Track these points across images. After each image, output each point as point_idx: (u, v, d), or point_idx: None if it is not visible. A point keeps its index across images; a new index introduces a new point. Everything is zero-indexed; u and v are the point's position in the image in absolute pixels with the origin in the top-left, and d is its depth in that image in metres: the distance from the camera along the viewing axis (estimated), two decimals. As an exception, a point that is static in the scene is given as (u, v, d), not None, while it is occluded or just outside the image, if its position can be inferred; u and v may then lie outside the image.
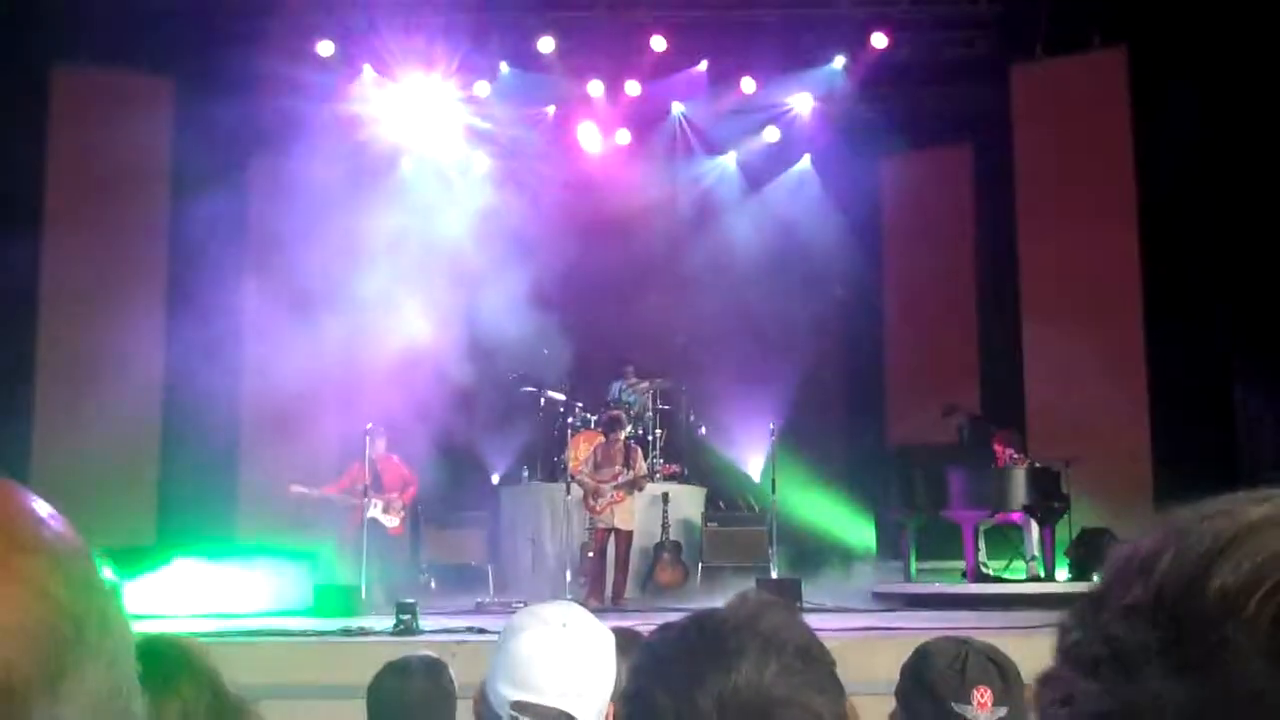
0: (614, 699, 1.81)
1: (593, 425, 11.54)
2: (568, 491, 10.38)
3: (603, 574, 9.95)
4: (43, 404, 11.83)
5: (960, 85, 12.59)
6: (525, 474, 12.34)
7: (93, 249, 12.26)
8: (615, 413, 10.85)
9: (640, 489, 10.12)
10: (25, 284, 11.82)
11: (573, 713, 1.73)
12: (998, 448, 10.47)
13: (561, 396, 12.05)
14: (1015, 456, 10.36)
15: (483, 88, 13.43)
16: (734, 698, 1.09)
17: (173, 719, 1.66)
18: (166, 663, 1.73)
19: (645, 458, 11.51)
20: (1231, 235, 10.50)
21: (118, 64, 12.32)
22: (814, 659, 1.15)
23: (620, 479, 9.90)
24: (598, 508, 9.93)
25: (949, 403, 11.64)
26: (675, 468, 11.82)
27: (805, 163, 14.01)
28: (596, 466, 10.09)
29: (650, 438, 11.93)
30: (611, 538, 9.97)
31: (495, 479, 12.51)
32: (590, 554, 10.14)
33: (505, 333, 13.68)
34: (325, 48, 12.80)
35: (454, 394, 13.62)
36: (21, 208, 11.83)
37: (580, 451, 10.78)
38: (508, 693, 1.75)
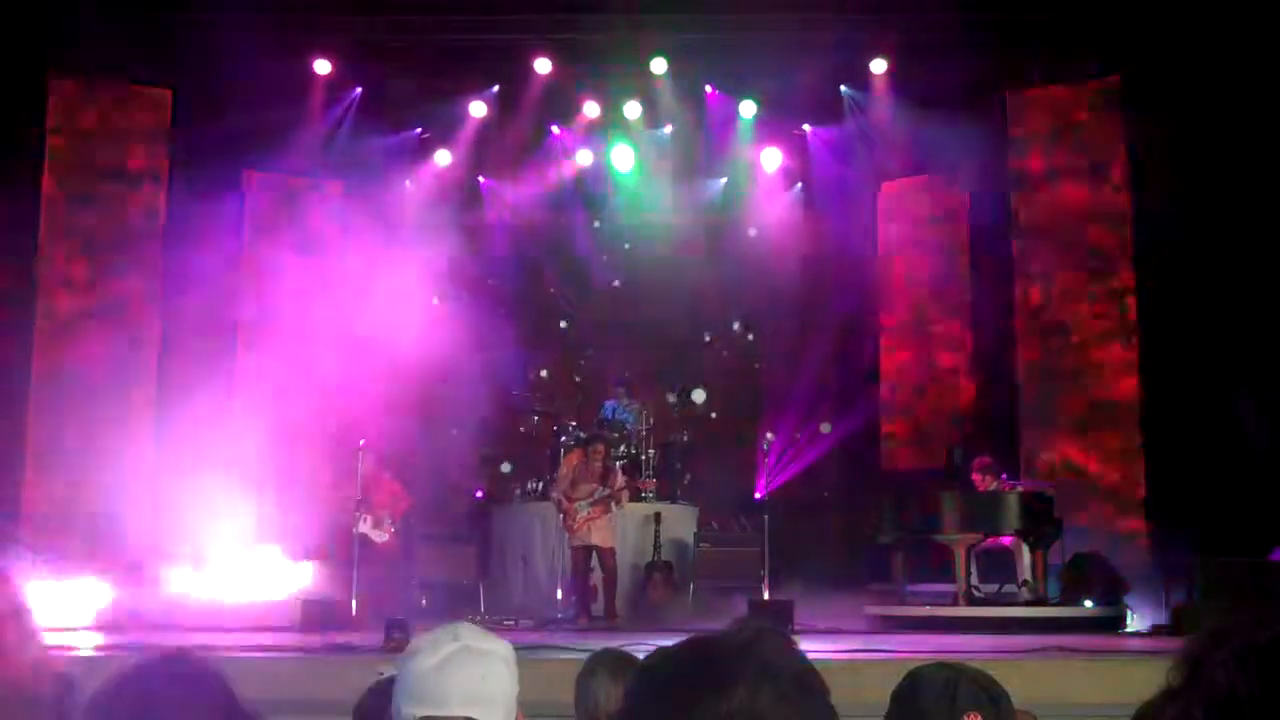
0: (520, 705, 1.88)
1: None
2: (559, 509, 10.36)
3: (586, 592, 9.91)
4: (35, 419, 11.80)
5: (957, 112, 12.63)
6: (517, 492, 12.32)
7: (88, 259, 12.28)
8: (595, 431, 10.88)
9: (619, 505, 10.05)
10: (21, 297, 11.81)
11: (477, 718, 1.79)
12: (975, 477, 10.48)
13: (553, 414, 12.06)
14: (994, 485, 10.36)
15: (479, 108, 13.47)
16: None
17: None
18: (184, 677, 1.74)
19: (639, 477, 11.49)
20: (1228, 261, 10.54)
21: (115, 73, 12.36)
22: (809, 688, 1.14)
23: (596, 495, 9.87)
24: (574, 526, 9.89)
25: (958, 417, 11.75)
26: (653, 481, 11.77)
27: (803, 187, 14.05)
28: (574, 484, 10.06)
29: (644, 457, 11.91)
30: (594, 556, 9.92)
31: (487, 496, 12.49)
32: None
33: (498, 351, 13.70)
34: (322, 65, 12.85)
35: (446, 412, 13.62)
36: (18, 216, 11.83)
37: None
38: (412, 711, 1.80)
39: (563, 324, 14.10)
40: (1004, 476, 10.66)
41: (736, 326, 14.11)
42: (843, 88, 13.22)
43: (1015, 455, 11.88)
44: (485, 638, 1.87)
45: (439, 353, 13.17)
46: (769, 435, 11.08)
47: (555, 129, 13.75)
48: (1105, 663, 6.32)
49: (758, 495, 11.81)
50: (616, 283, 14.21)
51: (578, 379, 13.95)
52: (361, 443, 10.42)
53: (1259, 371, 10.20)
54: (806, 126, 13.62)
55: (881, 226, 13.71)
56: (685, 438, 12.63)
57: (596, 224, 14.25)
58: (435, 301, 13.08)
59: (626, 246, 14.25)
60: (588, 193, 14.05)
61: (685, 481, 12.36)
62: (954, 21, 12.01)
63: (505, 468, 12.76)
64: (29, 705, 1.92)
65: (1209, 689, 0.98)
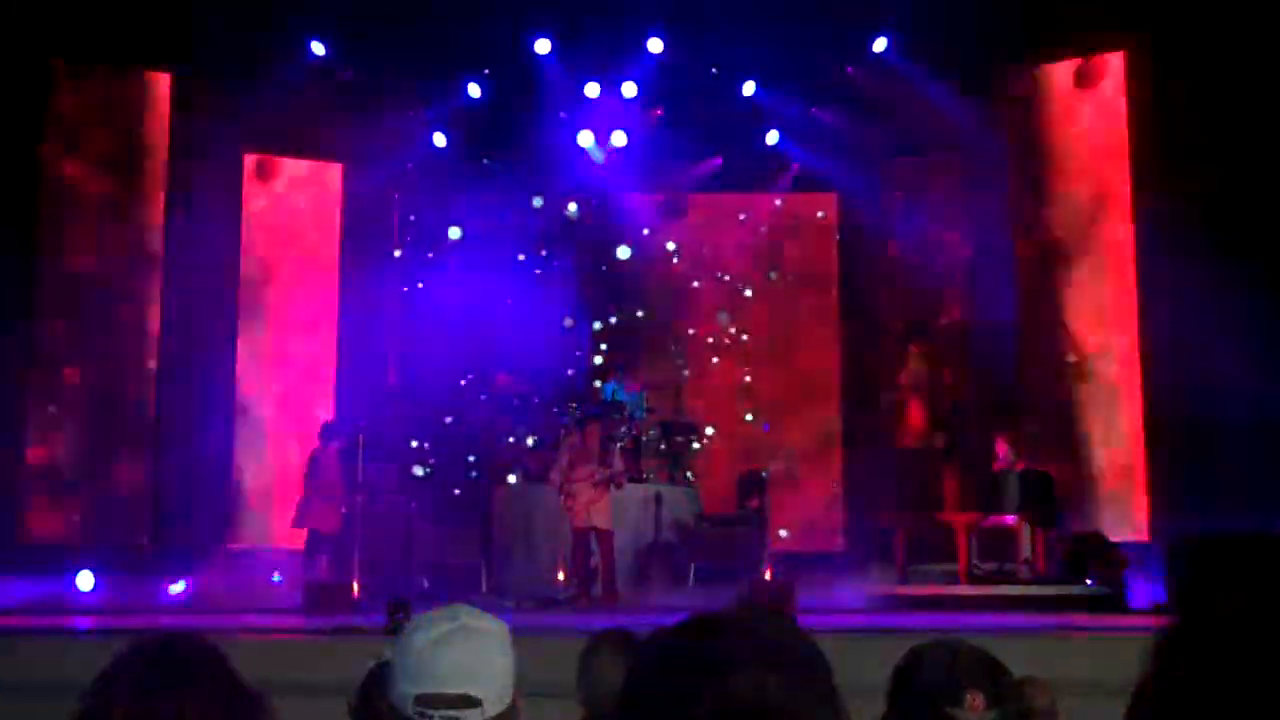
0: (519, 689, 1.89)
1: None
2: (559, 491, 10.36)
3: (587, 574, 9.90)
4: (37, 399, 11.82)
5: (955, 88, 12.58)
6: (519, 473, 12.34)
7: (89, 243, 12.26)
8: (591, 411, 10.88)
9: (619, 486, 10.03)
10: (22, 279, 11.80)
11: (474, 695, 1.79)
12: (1001, 448, 10.46)
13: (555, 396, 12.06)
14: (1014, 457, 10.38)
15: (475, 89, 13.41)
16: (730, 704, 1.07)
17: (190, 714, 1.68)
18: (183, 659, 1.75)
19: (639, 458, 11.48)
20: (1234, 240, 10.50)
21: (116, 56, 12.31)
22: (815, 670, 1.13)
23: (596, 477, 9.85)
24: (575, 508, 9.87)
25: (960, 397, 11.84)
26: (652, 461, 11.75)
27: (801, 166, 14.00)
28: (573, 465, 10.03)
29: (644, 439, 11.92)
30: (593, 538, 9.90)
31: (488, 477, 12.48)
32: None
33: (500, 332, 13.69)
34: (318, 47, 12.79)
35: (448, 393, 13.62)
36: (18, 200, 11.80)
37: (573, 451, 10.74)
38: (409, 689, 1.81)
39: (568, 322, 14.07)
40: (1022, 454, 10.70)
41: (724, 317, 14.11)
42: (840, 65, 13.16)
43: (1018, 433, 11.89)
44: (481, 617, 1.88)
45: (439, 332, 13.19)
46: (766, 425, 11.09)
47: (558, 111, 13.69)
48: (1106, 640, 6.33)
49: (763, 475, 11.82)
50: (617, 267, 14.19)
51: (578, 359, 13.93)
52: (362, 425, 10.42)
53: (1261, 346, 10.19)
54: (804, 104, 13.55)
55: (879, 201, 13.70)
56: (687, 418, 12.63)
57: (597, 204, 14.23)
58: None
59: (626, 229, 14.24)
60: (588, 173, 14.01)
61: (686, 462, 12.37)
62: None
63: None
64: None
65: (1199, 659, 0.98)
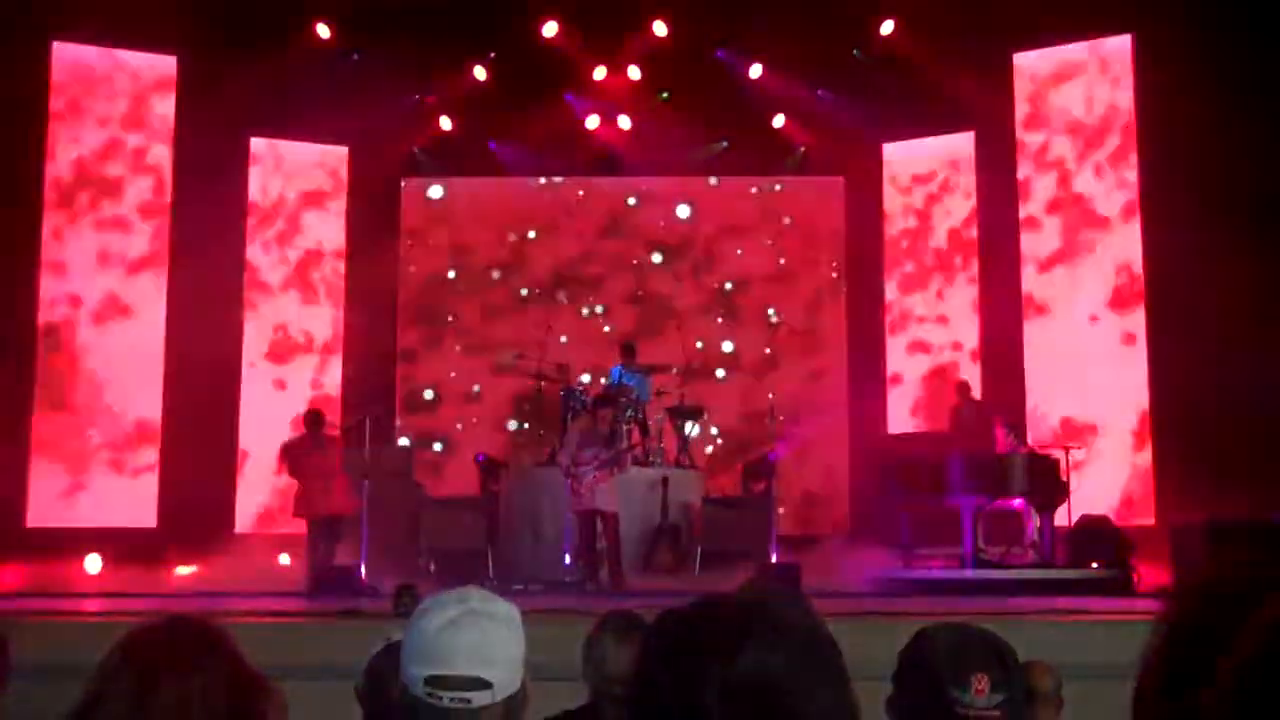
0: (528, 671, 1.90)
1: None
2: (565, 474, 10.35)
3: (594, 557, 9.89)
4: (44, 380, 11.85)
5: (964, 72, 12.54)
6: (526, 457, 12.37)
7: (93, 226, 12.28)
8: (600, 393, 10.86)
9: (623, 468, 10.02)
10: (25, 264, 11.83)
11: (485, 677, 1.80)
12: (999, 431, 10.46)
13: (560, 380, 12.05)
14: (1015, 441, 10.37)
15: (481, 72, 13.38)
16: (739, 685, 1.08)
17: (194, 697, 1.69)
18: (188, 642, 1.75)
19: (645, 441, 11.48)
20: (1236, 220, 10.47)
21: (118, 39, 12.31)
22: (821, 649, 1.13)
23: (602, 459, 9.83)
24: (580, 489, 9.85)
25: (963, 380, 11.85)
26: (651, 442, 11.74)
27: (809, 149, 13.96)
28: (580, 448, 10.02)
29: (650, 423, 11.91)
30: (598, 521, 9.89)
31: (495, 462, 12.49)
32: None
33: (507, 317, 13.70)
34: (323, 30, 12.76)
35: (458, 378, 13.64)
36: (22, 183, 11.81)
37: (580, 436, 10.73)
38: (420, 670, 1.82)
39: (562, 297, 14.03)
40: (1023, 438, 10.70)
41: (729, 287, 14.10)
42: (848, 46, 13.11)
43: (1022, 417, 11.89)
44: (491, 600, 1.89)
45: (443, 319, 13.16)
46: (772, 410, 11.08)
47: (562, 94, 13.66)
48: (1112, 624, 6.33)
49: (771, 457, 11.80)
50: (621, 250, 14.19)
51: (584, 344, 13.93)
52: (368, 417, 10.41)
53: (1265, 335, 10.17)
54: (815, 87, 13.49)
55: (887, 184, 13.67)
56: (691, 403, 12.62)
57: (603, 187, 14.21)
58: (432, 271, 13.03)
59: (632, 212, 14.23)
60: (594, 156, 14.00)
61: (692, 446, 12.37)
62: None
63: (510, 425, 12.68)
64: None
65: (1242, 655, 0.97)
